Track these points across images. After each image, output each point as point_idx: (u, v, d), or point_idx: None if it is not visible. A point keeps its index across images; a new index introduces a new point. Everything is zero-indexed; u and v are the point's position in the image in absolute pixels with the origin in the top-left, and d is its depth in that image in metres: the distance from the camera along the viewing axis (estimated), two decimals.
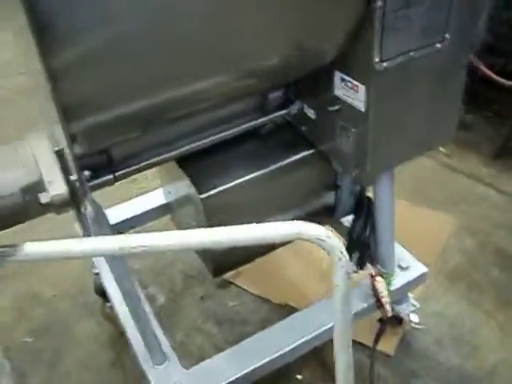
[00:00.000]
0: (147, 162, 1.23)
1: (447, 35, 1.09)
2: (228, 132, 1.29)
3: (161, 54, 0.88)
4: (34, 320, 1.90)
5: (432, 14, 1.04)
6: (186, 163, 1.31)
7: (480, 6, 1.10)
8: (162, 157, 1.24)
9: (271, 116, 1.31)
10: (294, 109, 1.30)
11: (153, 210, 1.71)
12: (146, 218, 1.72)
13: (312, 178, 1.37)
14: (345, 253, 0.74)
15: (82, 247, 0.79)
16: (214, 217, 1.25)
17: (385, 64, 1.04)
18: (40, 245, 0.77)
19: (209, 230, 0.74)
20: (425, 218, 2.15)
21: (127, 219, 1.68)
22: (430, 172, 2.41)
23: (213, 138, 1.28)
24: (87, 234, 1.23)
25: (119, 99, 0.94)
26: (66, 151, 0.85)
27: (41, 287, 2.01)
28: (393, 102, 1.11)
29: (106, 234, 1.06)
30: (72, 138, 0.90)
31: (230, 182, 1.27)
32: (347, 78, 1.11)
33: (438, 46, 1.10)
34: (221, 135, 1.29)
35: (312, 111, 1.27)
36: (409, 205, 2.17)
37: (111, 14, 0.79)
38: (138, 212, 1.70)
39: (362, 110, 1.09)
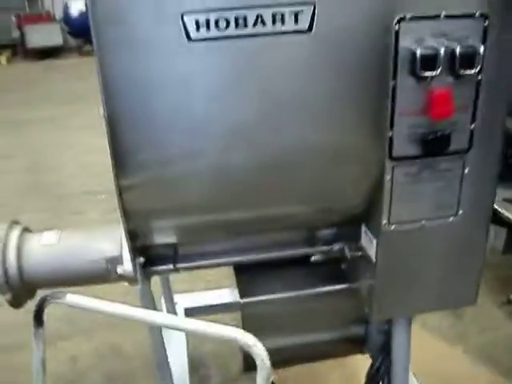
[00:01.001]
0: (206, 262, 1.51)
1: (460, 211, 1.25)
2: (279, 254, 1.53)
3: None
4: None
5: (442, 191, 1.22)
6: (242, 269, 1.58)
7: (493, 182, 1.24)
8: (218, 261, 1.51)
9: (317, 249, 1.54)
10: (335, 247, 1.52)
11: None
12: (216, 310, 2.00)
13: (342, 310, 1.55)
14: (266, 361, 0.95)
15: (110, 308, 1.09)
16: (249, 322, 1.49)
17: (393, 227, 1.23)
18: (79, 298, 1.08)
19: (164, 314, 1.00)
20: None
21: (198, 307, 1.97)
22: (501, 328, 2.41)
23: (265, 255, 1.53)
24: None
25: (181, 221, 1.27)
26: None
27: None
28: (402, 260, 1.28)
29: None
30: (134, 235, 1.24)
31: (270, 294, 1.51)
32: (367, 231, 1.32)
33: (451, 219, 1.26)
34: (272, 255, 1.54)
35: (348, 252, 1.47)
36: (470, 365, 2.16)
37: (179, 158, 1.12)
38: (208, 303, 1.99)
39: (373, 260, 1.28)
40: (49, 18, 10.79)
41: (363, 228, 1.34)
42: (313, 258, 1.59)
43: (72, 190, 4.10)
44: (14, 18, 10.29)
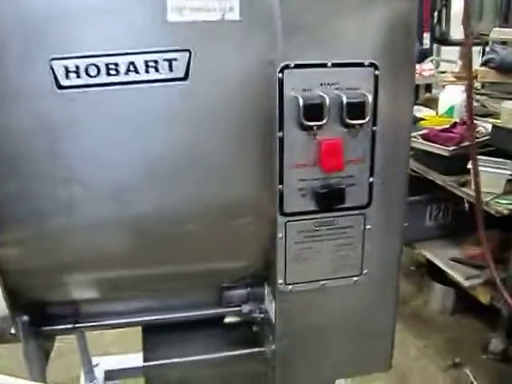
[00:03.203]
0: (111, 322, 1.40)
1: (365, 270, 1.17)
2: (187, 315, 1.43)
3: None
4: None
5: (342, 249, 1.14)
6: (149, 330, 1.46)
7: (398, 239, 1.17)
8: (124, 321, 1.40)
9: (225, 310, 1.43)
10: (245, 308, 1.41)
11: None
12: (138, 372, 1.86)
13: (254, 376, 1.43)
14: None
15: None
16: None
17: (290, 287, 1.14)
18: None
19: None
20: None
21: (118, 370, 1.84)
22: None
23: (173, 316, 1.43)
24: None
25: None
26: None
27: None
28: (302, 323, 1.19)
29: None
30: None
31: (177, 357, 1.39)
32: (268, 291, 1.22)
33: (355, 279, 1.18)
34: (180, 316, 1.43)
35: (258, 314, 1.37)
36: None
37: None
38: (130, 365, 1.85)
39: (273, 321, 1.19)
40: None
41: (266, 288, 1.25)
42: (226, 320, 1.50)
43: None
44: None
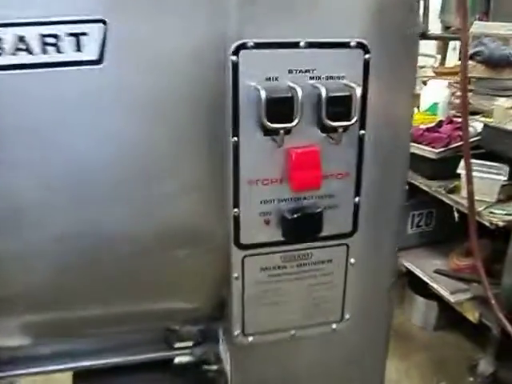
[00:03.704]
0: (35, 370, 1.11)
1: (347, 315, 0.90)
2: (123, 359, 1.15)
3: None
4: None
5: (318, 290, 0.88)
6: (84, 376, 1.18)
7: (390, 276, 0.91)
8: (51, 368, 1.12)
9: (171, 354, 1.16)
10: (197, 352, 1.14)
11: None
12: None
13: None
14: None
15: None
16: None
17: (250, 339, 0.87)
18: None
19: None
20: None
21: None
22: None
23: (112, 360, 1.15)
24: None
25: None
26: None
27: None
28: (266, 380, 0.92)
29: None
30: None
31: None
32: (223, 338, 0.95)
33: (334, 326, 0.91)
34: (119, 359, 1.15)
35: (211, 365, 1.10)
36: None
37: None
38: None
39: (228, 376, 0.92)
40: None
41: (220, 334, 0.98)
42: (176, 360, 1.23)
43: None
44: None
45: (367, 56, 0.74)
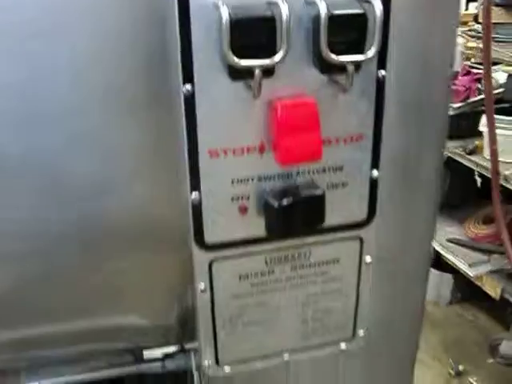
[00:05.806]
0: None
1: (360, 331, 0.66)
2: (89, 376, 0.94)
3: None
4: None
5: (321, 300, 0.63)
6: None
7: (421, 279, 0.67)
8: None
9: (141, 367, 0.94)
10: (170, 365, 0.91)
11: None
12: None
13: None
14: None
15: None
16: None
17: (227, 368, 0.62)
18: None
19: None
20: None
21: None
22: None
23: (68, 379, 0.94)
24: None
25: None
26: None
27: None
28: None
29: None
30: None
31: None
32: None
33: (343, 346, 0.66)
34: (78, 379, 0.94)
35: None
36: None
37: None
38: None
39: None
40: None
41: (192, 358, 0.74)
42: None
43: None
44: None
45: None
